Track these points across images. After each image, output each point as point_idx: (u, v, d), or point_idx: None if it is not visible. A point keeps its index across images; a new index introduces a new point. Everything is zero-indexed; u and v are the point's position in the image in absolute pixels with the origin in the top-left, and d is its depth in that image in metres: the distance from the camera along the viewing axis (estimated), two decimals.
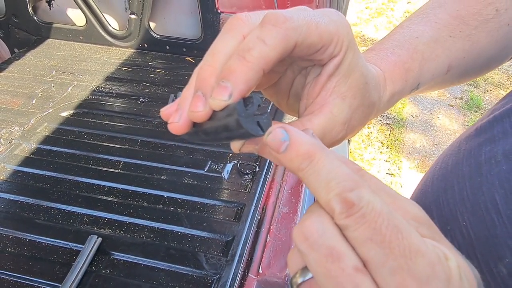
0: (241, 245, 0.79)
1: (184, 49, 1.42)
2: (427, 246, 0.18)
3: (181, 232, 0.83)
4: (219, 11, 1.29)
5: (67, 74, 1.36)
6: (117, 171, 0.98)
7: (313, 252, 0.19)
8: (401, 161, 2.24)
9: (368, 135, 2.42)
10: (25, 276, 0.75)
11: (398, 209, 0.20)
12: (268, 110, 1.13)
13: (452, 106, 2.63)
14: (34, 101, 1.22)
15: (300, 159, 0.20)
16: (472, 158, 0.39)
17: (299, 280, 0.21)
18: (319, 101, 0.27)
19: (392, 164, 2.23)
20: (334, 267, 0.19)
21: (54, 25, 1.53)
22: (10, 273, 0.75)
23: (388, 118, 2.53)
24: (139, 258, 0.78)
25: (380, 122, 2.51)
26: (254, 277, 0.74)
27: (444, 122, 2.49)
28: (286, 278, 0.73)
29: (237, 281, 0.73)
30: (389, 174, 2.17)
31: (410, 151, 2.30)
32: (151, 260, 0.78)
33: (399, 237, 0.18)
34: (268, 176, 0.94)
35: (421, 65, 0.33)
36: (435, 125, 2.47)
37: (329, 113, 0.26)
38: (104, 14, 1.45)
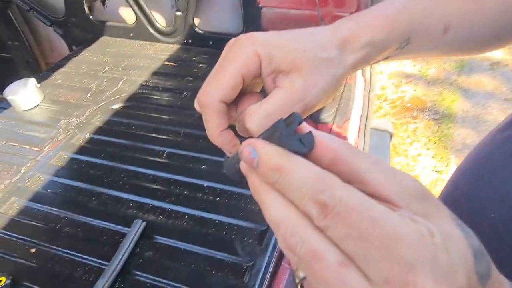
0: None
1: None
2: (408, 227, 0.18)
3: (218, 220, 0.87)
4: (260, 5, 1.30)
5: (118, 69, 1.45)
6: (161, 160, 1.04)
7: (299, 260, 0.20)
8: (449, 158, 2.14)
9: (414, 130, 2.33)
10: (78, 254, 0.83)
11: (392, 184, 0.20)
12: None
13: (508, 100, 2.45)
14: (89, 95, 1.32)
15: (271, 172, 0.21)
16: (505, 147, 0.38)
17: (301, 274, 0.22)
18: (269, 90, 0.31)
19: (439, 161, 2.13)
20: (319, 267, 0.19)
21: (107, 23, 1.64)
22: (66, 251, 0.84)
23: (437, 113, 2.42)
24: (179, 242, 0.83)
25: (427, 117, 2.41)
26: (287, 266, 0.76)
27: (498, 117, 2.34)
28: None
29: (271, 269, 0.75)
30: (436, 172, 2.08)
31: (460, 148, 2.19)
32: (190, 245, 0.82)
33: (375, 227, 0.18)
34: None
35: (410, 19, 0.33)
36: (488, 120, 2.32)
37: (278, 91, 0.30)
38: (152, 11, 1.52)
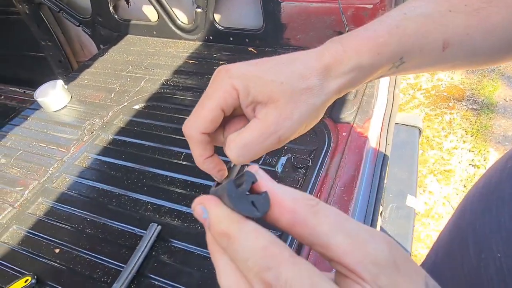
0: (288, 241, 0.80)
1: (247, 40, 1.43)
2: None
3: None
4: (279, 0, 1.27)
5: (141, 68, 1.47)
6: (179, 162, 1.05)
7: None
8: (487, 151, 2.01)
9: (450, 122, 2.20)
10: (98, 256, 0.85)
11: (357, 251, 0.18)
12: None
13: None
14: (112, 95, 1.35)
15: (219, 238, 0.20)
16: None
17: None
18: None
19: (477, 154, 2.01)
20: None
21: (132, 21, 1.66)
22: (86, 252, 0.87)
23: (475, 103, 2.27)
24: (193, 247, 0.84)
25: (465, 107, 2.27)
26: None
27: None
28: None
29: None
30: (473, 166, 1.97)
31: (500, 140, 2.05)
32: (204, 250, 0.83)
33: None
34: (321, 171, 0.93)
35: (402, 40, 0.31)
36: None
37: (254, 122, 0.30)
38: (173, 9, 1.53)
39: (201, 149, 0.31)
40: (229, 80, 0.29)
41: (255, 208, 0.20)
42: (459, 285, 0.38)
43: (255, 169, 0.22)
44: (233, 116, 0.32)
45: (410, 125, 1.39)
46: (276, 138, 0.30)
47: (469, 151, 2.04)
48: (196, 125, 0.30)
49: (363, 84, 0.33)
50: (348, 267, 0.18)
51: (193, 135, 0.31)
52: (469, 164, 1.98)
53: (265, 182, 0.21)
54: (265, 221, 0.21)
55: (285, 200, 0.20)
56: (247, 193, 0.21)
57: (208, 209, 0.21)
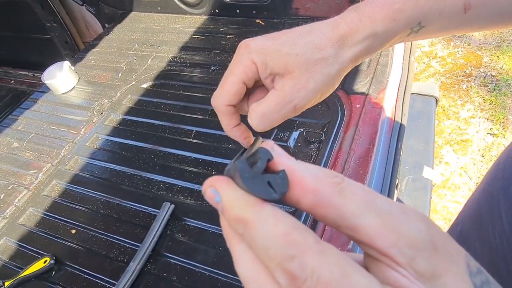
0: (303, 216, 0.79)
1: (254, 11, 1.38)
2: None
3: None
4: None
5: (147, 46, 1.44)
6: (189, 140, 1.04)
7: None
8: (506, 119, 1.95)
9: (467, 90, 2.13)
10: (113, 235, 0.86)
11: (390, 232, 0.16)
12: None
13: None
14: (120, 75, 1.33)
15: (235, 224, 0.18)
16: None
17: None
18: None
19: (496, 122, 1.95)
20: None
21: None
22: (101, 232, 0.87)
23: (494, 69, 2.18)
24: (207, 224, 0.83)
25: (483, 74, 2.18)
26: None
27: None
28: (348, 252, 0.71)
29: None
30: (491, 135, 1.91)
31: None
32: (217, 227, 0.82)
33: None
34: (335, 145, 0.90)
35: (418, 4, 0.31)
36: None
37: (272, 93, 0.32)
38: None
39: (228, 119, 0.34)
40: (249, 55, 0.32)
41: (272, 189, 0.18)
42: (490, 255, 0.36)
43: (270, 145, 0.19)
44: (256, 87, 0.35)
45: (426, 95, 1.34)
46: (292, 107, 0.31)
47: (487, 119, 1.98)
48: (221, 99, 0.33)
49: (381, 50, 0.32)
50: (381, 251, 0.16)
51: (219, 107, 0.34)
52: (487, 133, 1.92)
53: (282, 159, 0.19)
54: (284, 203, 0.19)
55: (306, 178, 0.18)
56: (262, 172, 0.19)
57: (220, 192, 0.19)
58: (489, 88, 2.11)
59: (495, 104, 2.02)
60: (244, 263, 0.18)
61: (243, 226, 0.18)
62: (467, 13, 0.31)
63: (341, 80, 0.33)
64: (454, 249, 0.17)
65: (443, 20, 0.31)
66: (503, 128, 1.92)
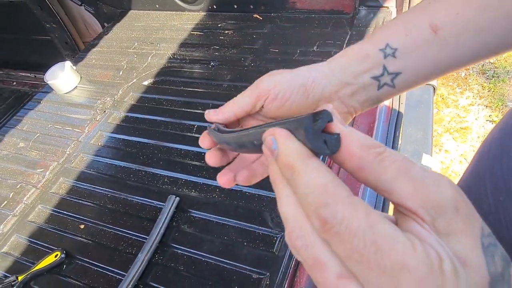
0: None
1: (251, 6, 1.40)
2: (417, 257, 0.17)
3: (248, 193, 0.88)
4: None
5: (147, 44, 1.45)
6: (191, 134, 1.06)
7: (303, 261, 0.20)
8: (505, 106, 1.96)
9: (466, 78, 2.14)
10: (121, 229, 0.89)
11: (419, 196, 0.19)
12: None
13: None
14: (121, 73, 1.35)
15: (285, 169, 0.21)
16: None
17: None
18: None
19: (494, 109, 1.96)
20: (319, 275, 0.19)
21: None
22: (109, 226, 0.90)
23: None
24: (212, 215, 0.86)
25: (481, 61, 2.19)
26: None
27: None
28: None
29: None
30: (490, 121, 1.92)
31: None
32: (222, 218, 0.85)
33: (378, 257, 0.17)
34: None
35: (382, 28, 0.32)
36: None
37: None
38: None
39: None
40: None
41: (326, 146, 0.21)
42: None
43: (330, 108, 0.22)
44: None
45: None
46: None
47: (486, 106, 1.99)
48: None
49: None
50: (410, 210, 0.19)
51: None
52: (487, 120, 1.94)
53: (338, 124, 0.21)
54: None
55: (354, 145, 0.20)
56: (321, 131, 0.21)
57: (279, 141, 0.21)
58: (487, 76, 2.12)
59: (493, 91, 2.04)
60: (287, 205, 0.21)
61: (292, 172, 0.20)
62: (439, 34, 0.31)
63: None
64: (473, 215, 0.19)
65: (414, 42, 0.32)
66: (502, 115, 1.93)
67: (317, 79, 0.34)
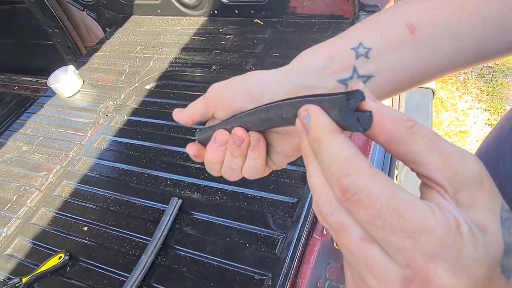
0: (306, 207, 0.82)
1: (252, 11, 1.42)
2: (436, 219, 0.19)
3: (250, 194, 0.89)
4: None
5: (149, 48, 1.47)
6: (193, 138, 1.07)
7: (328, 226, 0.22)
8: (504, 109, 1.97)
9: (464, 82, 2.16)
10: (124, 231, 0.89)
11: (446, 169, 0.20)
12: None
13: None
14: (123, 77, 1.37)
15: (312, 142, 0.22)
16: None
17: None
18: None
19: (493, 113, 1.98)
20: (343, 238, 0.21)
21: (135, 2, 1.65)
22: (113, 228, 0.91)
23: None
24: (214, 217, 0.87)
25: (479, 66, 2.21)
26: (318, 237, 0.77)
27: None
28: None
29: (302, 241, 0.77)
30: (489, 125, 1.94)
31: None
32: (225, 220, 0.86)
33: (400, 220, 0.18)
34: None
35: (354, 28, 0.31)
36: None
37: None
38: None
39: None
40: None
41: (359, 124, 0.22)
42: None
43: (361, 87, 0.23)
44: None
45: (422, 87, 1.37)
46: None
47: (485, 110, 2.01)
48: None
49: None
50: (436, 181, 0.20)
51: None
52: (485, 124, 1.95)
53: (370, 101, 0.22)
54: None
55: (386, 120, 0.22)
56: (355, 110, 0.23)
57: (312, 116, 0.23)
58: (486, 79, 2.13)
59: (492, 95, 2.05)
60: (315, 175, 0.22)
61: (318, 145, 0.22)
62: (416, 35, 0.29)
63: None
64: (495, 190, 0.21)
65: (389, 42, 0.29)
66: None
67: (264, 84, 0.32)
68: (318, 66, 0.31)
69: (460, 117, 2.01)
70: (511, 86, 2.07)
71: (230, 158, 0.33)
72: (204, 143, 0.37)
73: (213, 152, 0.34)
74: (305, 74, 0.31)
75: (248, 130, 0.32)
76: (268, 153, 0.34)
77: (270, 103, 0.29)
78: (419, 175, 0.22)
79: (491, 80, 2.11)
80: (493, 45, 0.30)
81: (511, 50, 0.30)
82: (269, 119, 0.29)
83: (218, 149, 0.33)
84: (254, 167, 0.33)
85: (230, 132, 0.33)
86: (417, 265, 0.18)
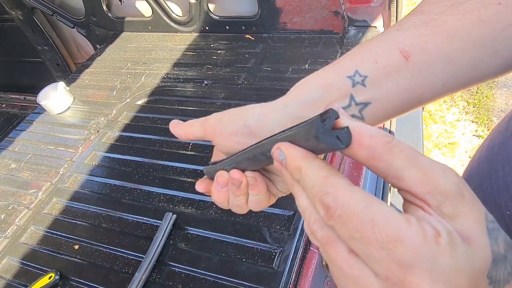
0: (302, 220, 0.82)
1: (243, 27, 1.43)
2: (411, 229, 0.19)
3: None
4: None
5: (140, 64, 1.47)
6: (187, 152, 1.06)
7: (318, 243, 0.23)
8: (491, 121, 2.02)
9: (451, 95, 2.20)
10: (117, 248, 0.87)
11: (427, 183, 0.20)
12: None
13: None
14: (114, 93, 1.36)
15: (294, 172, 0.23)
16: None
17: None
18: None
19: (480, 124, 2.02)
20: (332, 252, 0.22)
21: (126, 19, 1.66)
22: (105, 246, 0.89)
23: None
24: (209, 232, 0.85)
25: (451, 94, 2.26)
26: (315, 250, 0.76)
27: None
28: None
29: (299, 254, 0.76)
30: (476, 136, 1.97)
31: (503, 109, 2.05)
32: (220, 234, 0.84)
33: (375, 231, 0.19)
34: None
35: (350, 56, 0.32)
36: None
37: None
38: (167, 2, 1.52)
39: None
40: None
41: (339, 141, 0.22)
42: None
43: (335, 106, 0.24)
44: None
45: None
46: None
47: (472, 122, 2.05)
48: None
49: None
50: (417, 196, 0.21)
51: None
52: (473, 135, 1.99)
53: (345, 118, 0.23)
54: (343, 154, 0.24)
55: (364, 136, 0.22)
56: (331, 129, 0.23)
57: (284, 151, 0.24)
58: (471, 92, 2.18)
59: (478, 107, 2.10)
60: (301, 199, 0.24)
61: (299, 173, 0.23)
62: (410, 61, 0.29)
63: None
64: (477, 202, 0.21)
65: (384, 69, 0.29)
66: (488, 129, 1.99)
67: (263, 117, 0.31)
68: (314, 96, 0.31)
69: (449, 129, 2.04)
70: (496, 98, 2.12)
71: (233, 197, 0.34)
72: (212, 177, 0.37)
73: (217, 193, 0.35)
74: (302, 105, 0.31)
75: (244, 170, 0.33)
76: (272, 182, 0.35)
77: (255, 143, 0.30)
78: (400, 191, 0.22)
79: (477, 93, 2.16)
80: (485, 68, 0.30)
81: (502, 71, 0.31)
82: (257, 159, 0.30)
83: (221, 190, 0.34)
84: (257, 202, 0.34)
85: (229, 172, 0.34)
86: (395, 276, 0.18)
